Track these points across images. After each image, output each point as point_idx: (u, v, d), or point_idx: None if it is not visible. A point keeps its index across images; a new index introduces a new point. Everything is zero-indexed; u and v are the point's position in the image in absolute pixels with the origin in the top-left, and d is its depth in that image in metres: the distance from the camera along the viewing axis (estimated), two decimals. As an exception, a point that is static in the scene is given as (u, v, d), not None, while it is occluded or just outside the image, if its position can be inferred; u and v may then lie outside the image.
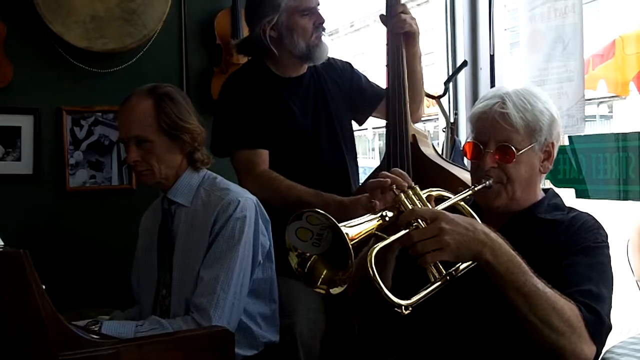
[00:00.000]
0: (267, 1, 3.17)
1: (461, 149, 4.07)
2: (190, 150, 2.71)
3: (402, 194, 1.99)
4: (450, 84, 4.34)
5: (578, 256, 2.06)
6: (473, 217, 2.06)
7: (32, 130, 3.57)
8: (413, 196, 2.00)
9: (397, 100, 3.11)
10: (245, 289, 2.61)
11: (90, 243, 3.64)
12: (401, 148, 3.06)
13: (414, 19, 3.18)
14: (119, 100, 3.64)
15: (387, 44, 3.19)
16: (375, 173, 3.20)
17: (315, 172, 3.17)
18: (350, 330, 3.11)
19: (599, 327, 1.94)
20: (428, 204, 2.02)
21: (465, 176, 3.09)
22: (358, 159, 3.54)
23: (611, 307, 2.04)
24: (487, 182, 2.17)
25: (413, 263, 1.89)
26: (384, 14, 3.19)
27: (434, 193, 2.13)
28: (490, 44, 4.37)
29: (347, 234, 1.75)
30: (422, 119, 3.52)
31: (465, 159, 4.07)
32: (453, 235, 1.86)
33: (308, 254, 1.84)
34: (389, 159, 3.09)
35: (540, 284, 1.90)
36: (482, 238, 1.89)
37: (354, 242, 1.77)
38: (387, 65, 3.18)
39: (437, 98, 3.95)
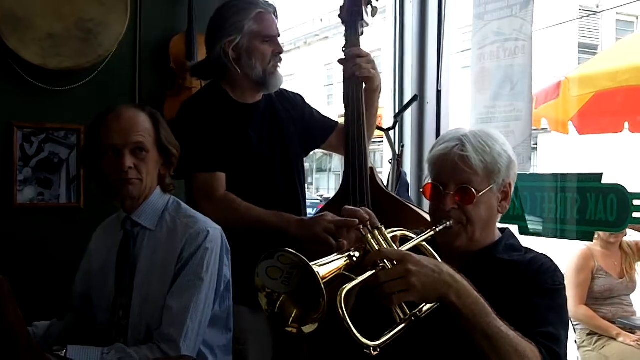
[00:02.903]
0: (230, 22, 3.20)
1: (406, 181, 4.16)
2: (164, 173, 2.73)
3: (368, 235, 2.01)
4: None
5: (537, 298, 2.10)
6: (435, 258, 2.09)
7: (-20, 144, 3.51)
8: (379, 236, 2.02)
9: (355, 136, 3.17)
10: (207, 319, 2.62)
11: (36, 260, 3.59)
12: (360, 181, 3.12)
13: (370, 62, 3.26)
14: (71, 118, 3.69)
15: (344, 82, 3.27)
16: (333, 204, 3.25)
17: (269, 196, 3.19)
18: (300, 356, 3.14)
19: None
20: (393, 244, 2.06)
21: (419, 211, 3.16)
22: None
23: (566, 348, 2.12)
24: (448, 223, 2.21)
25: (374, 302, 1.91)
26: (343, 57, 3.27)
27: (397, 233, 2.16)
28: (438, 79, 4.46)
29: (318, 272, 1.78)
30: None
31: (408, 192, 4.18)
32: (419, 277, 1.88)
33: (277, 294, 1.86)
34: (349, 191, 3.14)
35: (503, 326, 1.94)
36: (447, 280, 1.93)
37: (324, 281, 1.79)
38: (344, 102, 3.25)
39: (387, 130, 4.00)
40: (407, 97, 4.57)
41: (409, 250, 2.05)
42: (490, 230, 2.31)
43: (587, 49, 23.26)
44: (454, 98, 4.69)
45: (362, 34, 3.31)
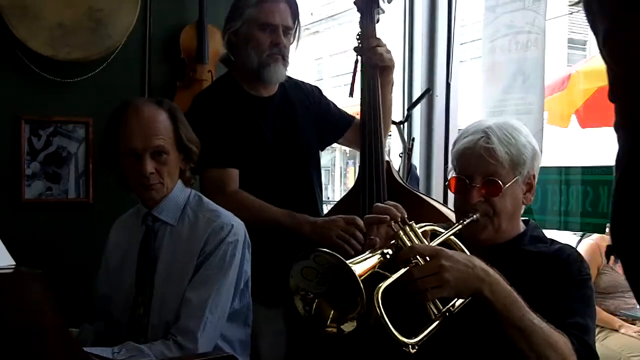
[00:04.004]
0: (233, 8, 3.17)
1: (416, 175, 4.13)
2: (184, 168, 2.70)
3: (400, 231, 2.00)
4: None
5: (565, 289, 2.11)
6: (464, 252, 2.08)
7: (-12, 138, 3.45)
8: (410, 232, 2.01)
9: (372, 128, 3.12)
10: (226, 314, 2.59)
11: (46, 256, 3.52)
12: (377, 175, 3.08)
13: (389, 51, 3.20)
14: (79, 111, 3.63)
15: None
16: (349, 198, 3.21)
17: (283, 193, 3.14)
18: (313, 354, 3.11)
19: (589, 359, 2.01)
20: (424, 240, 2.03)
21: (436, 205, 3.13)
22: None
23: (595, 338, 2.12)
24: (475, 216, 2.20)
25: (405, 298, 1.89)
26: (359, 45, 3.20)
27: (427, 228, 2.14)
28: (447, 72, 4.42)
29: (355, 272, 1.75)
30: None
31: (418, 186, 4.15)
32: (453, 272, 1.88)
33: (312, 295, 1.84)
34: (365, 187, 3.09)
35: (536, 319, 1.94)
36: (481, 275, 1.93)
37: (361, 279, 1.77)
38: (361, 92, 3.19)
39: (398, 124, 3.96)
40: (417, 90, 4.55)
41: (439, 245, 2.03)
42: (516, 222, 2.31)
43: (576, 44, 23.32)
44: (463, 91, 4.65)
45: (377, 21, 3.23)
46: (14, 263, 1.97)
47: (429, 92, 4.23)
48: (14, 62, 3.49)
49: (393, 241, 1.99)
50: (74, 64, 3.57)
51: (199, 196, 2.75)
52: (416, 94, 4.51)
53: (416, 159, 4.40)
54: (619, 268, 5.40)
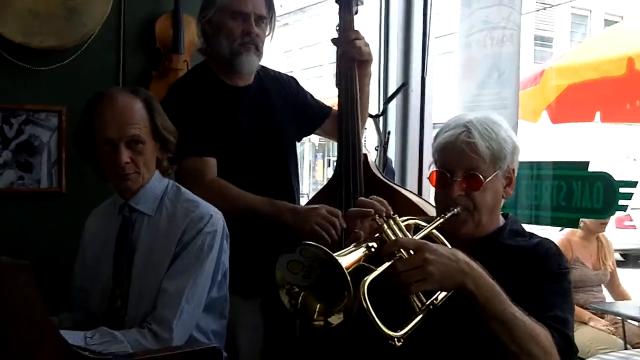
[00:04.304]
0: None
1: (392, 168, 4.14)
2: (161, 158, 2.67)
3: (384, 224, 1.99)
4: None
5: (545, 283, 2.12)
6: (446, 245, 2.08)
7: (-42, 126, 3.39)
8: (394, 226, 2.00)
9: (350, 120, 3.12)
10: (202, 304, 2.57)
11: (18, 247, 3.46)
12: (354, 168, 3.07)
13: (367, 44, 3.19)
14: (52, 99, 3.58)
15: (339, 65, 3.19)
16: (327, 190, 3.20)
17: (260, 184, 3.11)
18: (291, 345, 3.11)
19: (569, 352, 2.04)
20: (408, 234, 2.03)
21: (413, 198, 3.13)
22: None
23: (573, 331, 2.12)
24: (455, 210, 2.20)
25: (388, 291, 1.88)
26: (337, 37, 3.18)
27: (410, 222, 2.13)
28: (423, 66, 4.43)
29: (342, 265, 1.74)
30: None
31: (394, 179, 4.15)
32: (437, 266, 1.88)
33: (298, 288, 1.83)
34: (342, 179, 3.08)
35: (517, 312, 1.95)
36: (464, 268, 1.93)
37: (347, 272, 1.76)
38: (337, 85, 3.18)
39: (375, 117, 3.96)
40: (392, 84, 4.55)
41: (422, 238, 2.03)
42: (496, 216, 2.32)
43: (543, 41, 23.54)
44: (438, 84, 4.66)
45: (356, 12, 3.21)
46: (-5, 253, 1.92)
47: (405, 86, 4.24)
48: (-15, 50, 3.43)
49: (377, 234, 1.98)
50: (48, 52, 3.52)
51: (177, 186, 2.72)
52: (392, 88, 4.53)
53: (391, 153, 4.40)
54: (587, 263, 5.49)
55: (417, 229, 2.13)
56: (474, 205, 2.21)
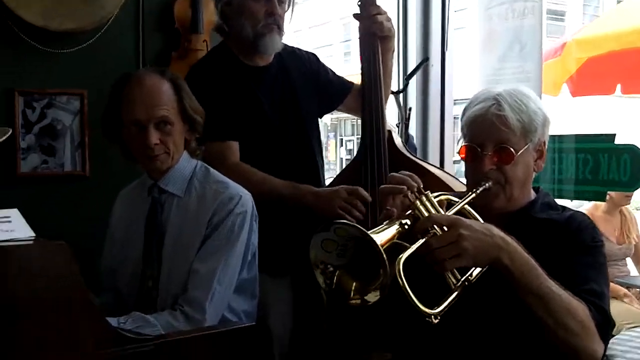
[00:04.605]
0: None
1: (414, 144, 4.11)
2: (189, 139, 2.66)
3: (417, 201, 1.97)
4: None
5: (578, 256, 2.09)
6: (478, 220, 2.06)
7: (-19, 111, 3.37)
8: (427, 202, 1.98)
9: (373, 97, 3.10)
10: (233, 285, 2.57)
11: (42, 231, 3.47)
12: (378, 145, 3.05)
13: (389, 20, 3.17)
14: (73, 82, 3.56)
15: (361, 40, 3.16)
16: (351, 169, 3.18)
17: (284, 165, 3.11)
18: (319, 326, 3.12)
19: (606, 326, 2.01)
20: (441, 210, 2.00)
21: (441, 174, 3.11)
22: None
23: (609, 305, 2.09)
24: (487, 184, 2.17)
25: (422, 269, 1.87)
26: (359, 12, 3.15)
27: (442, 197, 2.11)
28: (442, 41, 4.39)
29: (376, 241, 1.73)
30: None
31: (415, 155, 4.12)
32: (471, 241, 1.86)
33: (332, 267, 1.82)
34: (367, 156, 3.06)
35: (554, 286, 1.93)
36: (499, 243, 1.91)
37: (383, 249, 1.75)
38: (361, 60, 3.15)
39: (396, 93, 3.94)
40: (412, 59, 4.52)
41: (454, 214, 2.01)
42: (527, 189, 2.28)
43: (555, 15, 23.37)
44: (458, 59, 4.63)
45: None
46: (34, 235, 1.92)
47: (426, 61, 4.20)
48: (6, 33, 3.41)
49: (410, 211, 1.96)
50: (67, 35, 3.50)
51: (206, 167, 2.72)
52: (411, 63, 4.50)
53: (412, 129, 4.38)
54: (612, 237, 5.46)
55: (449, 204, 2.10)
56: (506, 179, 2.18)
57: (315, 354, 3.13)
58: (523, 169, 2.21)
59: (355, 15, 3.16)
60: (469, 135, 2.25)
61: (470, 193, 2.15)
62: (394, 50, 3.30)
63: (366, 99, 3.11)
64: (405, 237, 1.90)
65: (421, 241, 1.86)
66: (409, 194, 2.01)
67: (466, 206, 2.12)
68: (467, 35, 5.67)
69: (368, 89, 3.11)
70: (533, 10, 3.89)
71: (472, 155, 2.22)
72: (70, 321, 1.80)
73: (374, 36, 3.12)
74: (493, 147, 2.17)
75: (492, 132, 2.17)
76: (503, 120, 2.15)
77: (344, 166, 3.75)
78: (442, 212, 1.99)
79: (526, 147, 2.19)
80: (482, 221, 2.04)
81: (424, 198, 1.98)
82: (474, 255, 1.87)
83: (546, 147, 2.29)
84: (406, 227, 1.90)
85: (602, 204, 5.43)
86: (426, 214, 1.94)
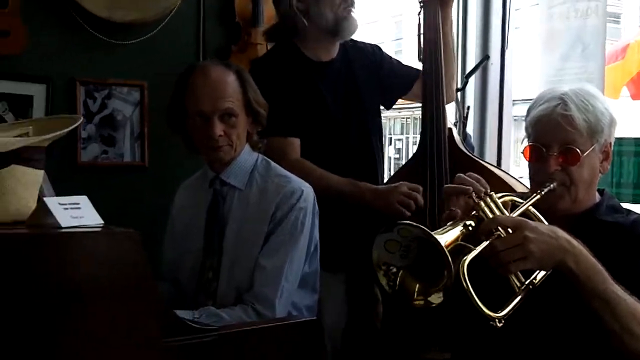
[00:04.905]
0: None
1: (472, 143, 4.08)
2: (251, 132, 2.68)
3: (481, 202, 1.95)
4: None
5: None
6: (543, 222, 2.03)
7: (44, 100, 3.40)
8: (491, 203, 1.95)
9: (434, 66, 3.11)
10: (298, 280, 2.58)
11: (103, 219, 3.52)
12: (439, 144, 3.03)
13: None
14: (134, 74, 3.59)
15: (424, 5, 3.17)
16: (410, 167, 3.16)
17: (344, 161, 3.12)
18: (372, 323, 3.13)
19: None
20: (505, 211, 1.98)
21: (504, 175, 3.07)
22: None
23: None
24: (552, 185, 2.13)
25: (485, 271, 1.84)
26: None
27: (506, 198, 2.08)
28: (503, 39, 4.34)
29: (441, 244, 1.72)
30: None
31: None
32: (537, 244, 1.84)
33: (395, 268, 1.81)
34: (426, 155, 3.05)
35: (619, 291, 1.89)
36: (565, 245, 1.88)
37: (447, 250, 1.73)
38: (423, 29, 3.18)
39: (456, 91, 3.90)
40: (471, 57, 4.47)
41: (519, 216, 1.98)
42: (592, 191, 2.24)
43: (611, 17, 23.02)
44: (518, 58, 4.58)
45: None
46: (102, 222, 1.94)
47: (487, 59, 4.16)
48: (70, 24, 3.44)
49: (474, 212, 1.94)
50: (130, 26, 3.53)
51: (267, 161, 2.72)
52: (470, 61, 4.45)
53: (470, 127, 4.34)
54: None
55: (513, 206, 2.07)
56: (571, 181, 2.14)
57: (368, 351, 3.12)
58: (589, 171, 2.17)
59: None
60: (534, 135, 2.21)
61: (534, 194, 2.12)
62: (452, 21, 3.29)
63: (427, 95, 3.10)
64: (468, 238, 1.88)
65: (486, 243, 1.84)
66: (473, 194, 1.99)
67: (531, 208, 2.09)
68: (523, 34, 5.61)
69: (429, 85, 3.10)
70: (597, 10, 3.85)
71: (536, 156, 2.19)
72: (136, 309, 1.80)
73: (435, 2, 3.13)
74: (558, 148, 2.13)
75: (557, 132, 2.13)
76: (569, 120, 2.11)
77: (392, 165, 3.72)
78: (507, 214, 1.97)
79: (592, 148, 2.15)
80: (547, 223, 2.01)
81: (488, 199, 1.96)
82: (539, 258, 1.84)
83: (612, 148, 2.25)
84: (470, 228, 1.89)
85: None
86: (491, 215, 1.92)
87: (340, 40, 3.19)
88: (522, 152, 2.28)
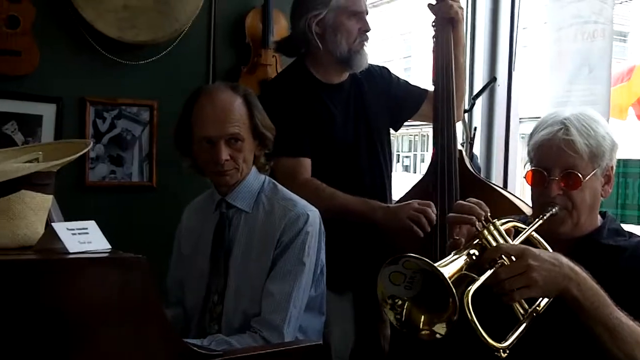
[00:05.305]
0: None
1: (478, 165, 4.09)
2: (258, 154, 2.69)
3: (485, 230, 1.96)
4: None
5: None
6: (547, 249, 2.04)
7: (53, 119, 3.44)
8: (494, 231, 1.96)
9: (445, 84, 3.13)
10: (304, 304, 2.58)
11: (109, 240, 3.53)
12: (449, 166, 3.04)
13: (461, 8, 3.19)
14: (144, 94, 3.62)
15: (437, 26, 3.20)
16: (419, 188, 3.18)
17: (354, 181, 3.12)
18: (379, 345, 3.15)
19: None
20: (508, 238, 1.99)
21: (510, 197, 3.08)
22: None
23: None
24: (554, 210, 2.14)
25: (488, 300, 1.86)
26: (432, 3, 3.18)
27: (509, 225, 2.09)
28: (510, 60, 4.36)
29: (445, 275, 1.73)
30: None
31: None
32: (540, 272, 1.85)
33: (401, 301, 1.81)
34: (437, 177, 3.07)
35: (623, 317, 1.90)
36: (568, 273, 1.89)
37: (451, 281, 1.74)
38: (434, 49, 3.20)
39: (464, 112, 3.92)
40: (478, 79, 4.49)
41: (521, 242, 1.99)
42: (594, 215, 2.25)
43: (618, 36, 22.99)
44: (524, 78, 4.60)
45: None
46: (110, 247, 1.96)
47: (495, 81, 4.17)
48: (81, 43, 3.49)
49: (477, 240, 1.95)
50: (140, 47, 3.57)
51: (274, 183, 2.73)
52: (477, 82, 4.47)
53: (476, 148, 4.35)
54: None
55: (516, 232, 2.08)
56: (573, 205, 2.15)
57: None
58: (590, 195, 2.18)
59: (429, 5, 3.19)
60: (536, 160, 2.23)
61: (537, 219, 2.13)
62: (464, 45, 3.33)
63: (438, 115, 3.11)
64: (472, 267, 1.89)
65: (489, 272, 1.85)
66: (477, 223, 2.00)
67: (534, 233, 2.10)
68: (531, 52, 5.61)
69: (440, 105, 3.11)
70: (603, 33, 3.86)
71: (538, 180, 2.20)
72: (144, 335, 1.81)
73: (448, 23, 3.15)
74: (560, 172, 2.15)
75: (559, 157, 2.15)
76: (571, 145, 2.13)
77: (399, 182, 3.74)
78: (510, 241, 1.98)
79: (594, 172, 2.16)
80: (550, 250, 2.03)
81: (491, 227, 1.96)
82: (543, 286, 1.85)
83: (613, 172, 2.26)
84: (474, 257, 1.89)
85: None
86: (494, 244, 1.93)
87: (350, 72, 3.22)
88: (525, 177, 2.30)
